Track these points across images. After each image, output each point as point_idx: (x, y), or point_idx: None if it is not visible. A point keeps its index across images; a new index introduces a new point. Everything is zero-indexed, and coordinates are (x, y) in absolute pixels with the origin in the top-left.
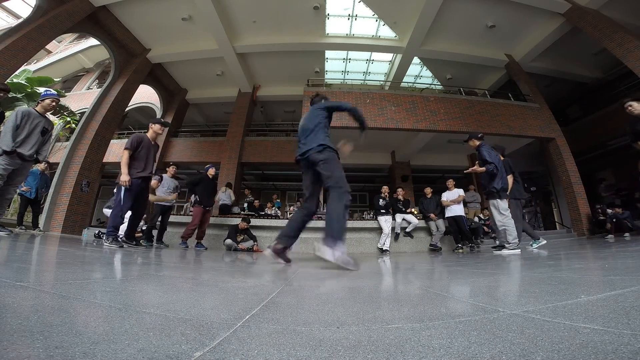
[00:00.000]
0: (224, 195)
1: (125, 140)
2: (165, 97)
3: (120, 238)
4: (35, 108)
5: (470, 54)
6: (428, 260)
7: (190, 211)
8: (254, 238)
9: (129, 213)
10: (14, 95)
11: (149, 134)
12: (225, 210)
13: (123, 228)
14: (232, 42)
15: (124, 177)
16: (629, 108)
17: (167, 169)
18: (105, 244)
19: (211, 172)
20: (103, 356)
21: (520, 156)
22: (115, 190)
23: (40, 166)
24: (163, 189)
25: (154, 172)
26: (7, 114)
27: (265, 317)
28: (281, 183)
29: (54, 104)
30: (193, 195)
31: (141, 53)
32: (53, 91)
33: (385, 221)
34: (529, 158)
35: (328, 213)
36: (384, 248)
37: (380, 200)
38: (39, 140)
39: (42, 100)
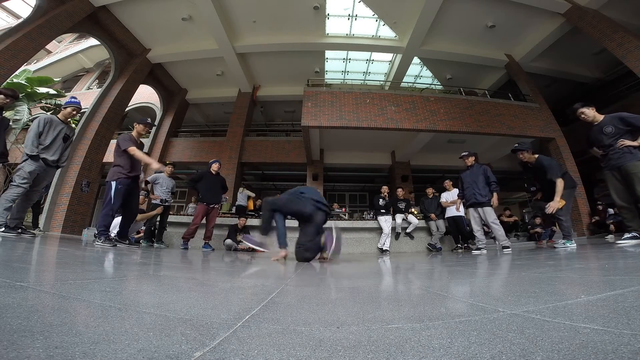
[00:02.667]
0: (241, 196)
1: None
2: (165, 97)
3: (113, 237)
4: (58, 115)
5: (470, 54)
6: (428, 260)
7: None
8: None
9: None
10: None
11: (134, 134)
12: (241, 212)
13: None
14: (232, 42)
15: (155, 165)
16: (582, 116)
17: (163, 168)
18: (97, 243)
19: (214, 167)
20: (103, 356)
21: None
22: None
23: None
24: (162, 189)
25: (141, 174)
26: (6, 114)
27: (265, 317)
28: (281, 183)
29: (74, 112)
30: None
31: (141, 53)
32: (76, 100)
33: (385, 221)
34: None
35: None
36: (384, 248)
37: (380, 200)
38: (61, 146)
39: (64, 108)
